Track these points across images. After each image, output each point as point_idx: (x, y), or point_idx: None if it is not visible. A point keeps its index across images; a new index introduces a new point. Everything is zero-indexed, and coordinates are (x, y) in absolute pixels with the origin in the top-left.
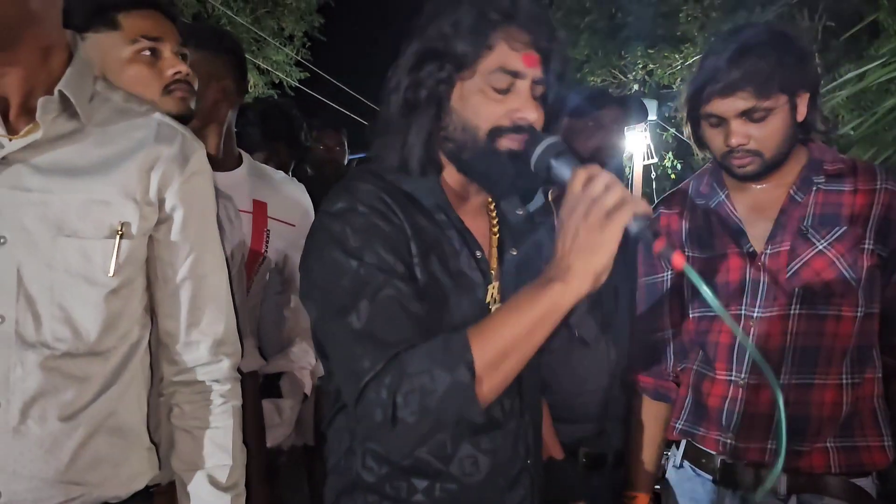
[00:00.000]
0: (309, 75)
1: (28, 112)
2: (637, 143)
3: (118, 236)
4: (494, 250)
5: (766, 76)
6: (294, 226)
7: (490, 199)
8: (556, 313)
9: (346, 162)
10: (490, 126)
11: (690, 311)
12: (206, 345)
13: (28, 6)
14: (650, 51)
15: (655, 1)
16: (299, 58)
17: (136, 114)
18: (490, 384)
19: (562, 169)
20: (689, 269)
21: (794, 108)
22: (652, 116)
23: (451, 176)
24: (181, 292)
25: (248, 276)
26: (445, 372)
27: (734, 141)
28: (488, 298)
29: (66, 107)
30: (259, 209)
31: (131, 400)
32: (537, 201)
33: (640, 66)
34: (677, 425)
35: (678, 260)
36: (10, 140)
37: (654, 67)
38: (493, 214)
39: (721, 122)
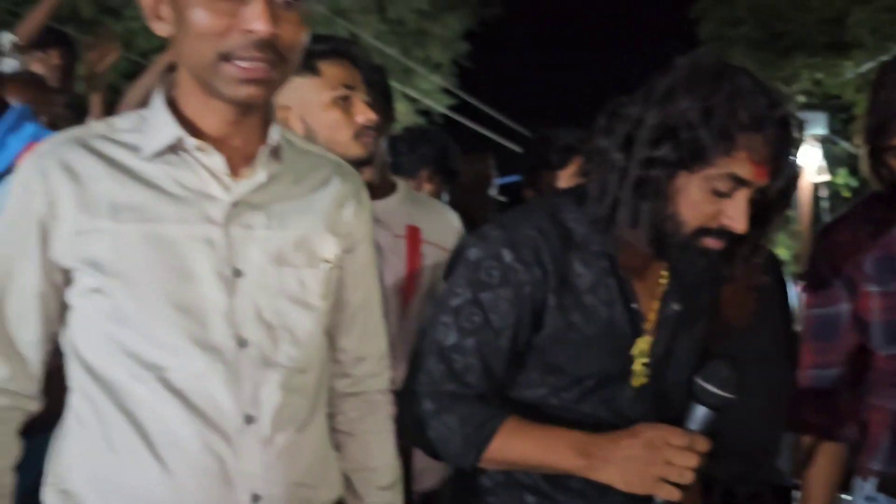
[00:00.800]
0: (457, 101)
1: (245, 157)
2: (807, 159)
3: (325, 265)
4: (657, 303)
5: None
6: (448, 250)
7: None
8: (568, 471)
9: (494, 185)
10: (698, 225)
11: (884, 350)
12: (374, 359)
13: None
14: (815, 59)
15: (818, 5)
16: (447, 85)
17: (315, 154)
18: (488, 467)
19: (696, 417)
20: None
21: None
22: (822, 130)
23: (632, 234)
24: (358, 313)
25: (405, 301)
26: (460, 444)
27: None
28: (634, 350)
29: (272, 151)
30: (413, 234)
31: (324, 411)
32: None
33: (805, 76)
34: (871, 465)
35: None
36: (237, 183)
37: (821, 77)
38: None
39: None
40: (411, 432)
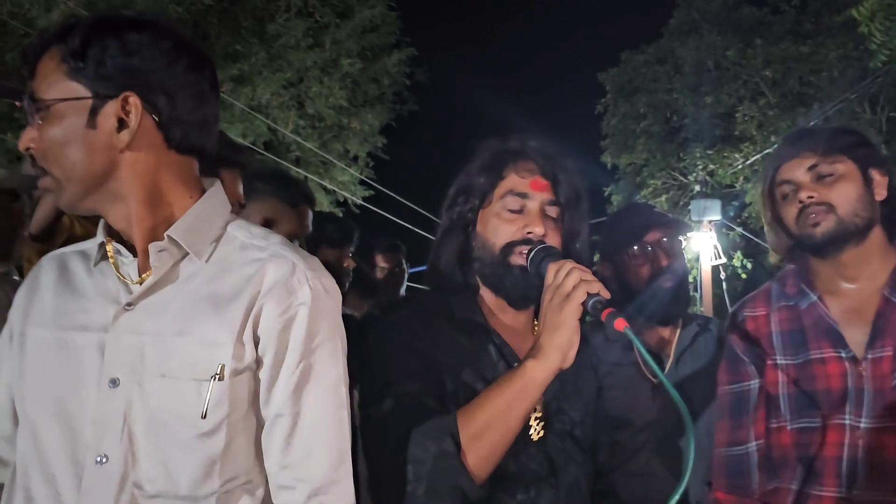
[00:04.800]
0: (373, 193)
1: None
2: (703, 244)
3: (212, 378)
4: None
5: (829, 138)
6: None
7: (535, 320)
8: (530, 388)
9: (405, 277)
10: (504, 242)
11: (789, 423)
12: (302, 492)
13: (93, 168)
14: (709, 151)
15: (710, 102)
16: (363, 177)
17: (254, 248)
18: (475, 455)
19: (545, 267)
20: (629, 332)
21: (868, 182)
22: (716, 217)
23: (486, 295)
24: (275, 430)
25: None
26: (433, 443)
27: (803, 195)
28: None
29: (167, 249)
30: None
31: None
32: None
33: (701, 167)
34: None
35: (620, 323)
36: (139, 285)
37: (715, 168)
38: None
39: (792, 190)
40: (392, 486)
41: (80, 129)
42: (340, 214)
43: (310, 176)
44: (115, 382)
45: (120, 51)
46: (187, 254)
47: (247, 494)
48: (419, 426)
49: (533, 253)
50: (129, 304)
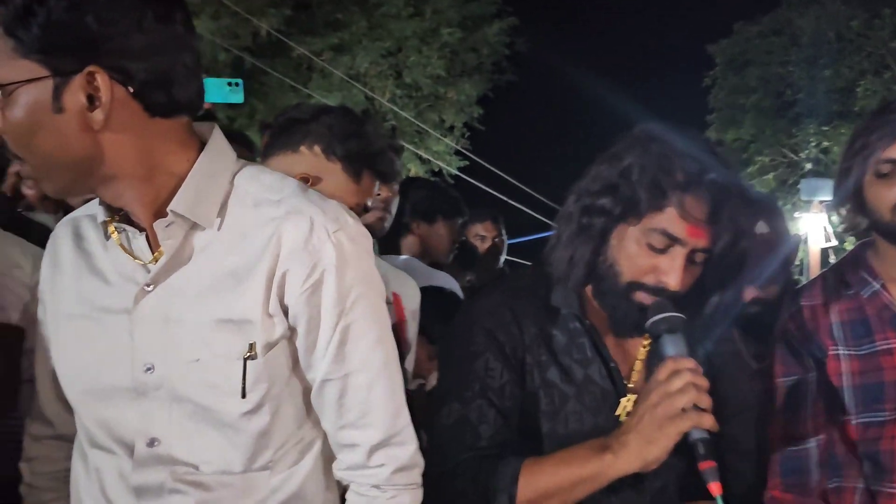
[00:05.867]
0: (468, 163)
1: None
2: (813, 226)
3: (245, 358)
4: (639, 363)
5: None
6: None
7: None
8: (599, 479)
9: (504, 249)
10: (632, 278)
11: (854, 417)
12: (363, 449)
13: (75, 153)
14: (824, 128)
15: (829, 75)
16: (459, 147)
17: (268, 204)
18: None
19: (666, 346)
20: (720, 501)
21: None
22: (829, 197)
23: (591, 297)
24: (325, 395)
25: None
26: (491, 494)
27: None
28: (619, 411)
29: (176, 223)
30: (397, 301)
31: (315, 486)
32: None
33: (814, 144)
34: None
35: (716, 488)
36: (153, 264)
37: (830, 145)
38: None
39: (893, 171)
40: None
41: (46, 115)
42: None
43: (405, 145)
44: (149, 368)
45: (68, 11)
46: (195, 226)
47: (303, 453)
48: (486, 460)
49: (656, 319)
50: (147, 285)
